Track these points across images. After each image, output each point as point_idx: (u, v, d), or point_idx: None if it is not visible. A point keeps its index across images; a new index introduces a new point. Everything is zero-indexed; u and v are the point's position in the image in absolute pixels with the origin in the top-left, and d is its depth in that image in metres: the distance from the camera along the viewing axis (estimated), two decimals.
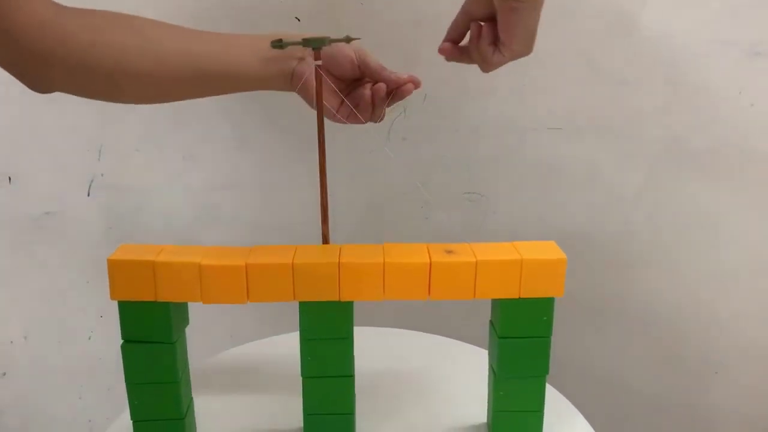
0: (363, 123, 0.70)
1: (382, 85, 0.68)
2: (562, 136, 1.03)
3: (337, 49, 0.67)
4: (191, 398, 0.64)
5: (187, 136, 1.07)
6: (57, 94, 0.66)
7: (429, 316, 0.94)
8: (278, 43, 0.59)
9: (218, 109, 1.05)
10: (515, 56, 0.63)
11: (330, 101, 0.68)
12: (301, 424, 0.62)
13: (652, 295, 1.11)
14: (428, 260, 0.56)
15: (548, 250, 0.58)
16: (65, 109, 1.02)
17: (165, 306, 0.56)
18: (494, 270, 0.56)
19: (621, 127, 1.03)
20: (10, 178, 1.05)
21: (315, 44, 0.58)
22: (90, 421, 1.21)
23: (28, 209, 1.08)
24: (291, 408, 0.64)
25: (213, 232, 1.13)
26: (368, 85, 0.69)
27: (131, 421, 0.61)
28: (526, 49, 0.63)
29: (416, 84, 0.69)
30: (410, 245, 0.59)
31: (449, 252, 0.57)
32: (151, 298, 0.56)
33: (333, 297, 0.57)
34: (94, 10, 0.63)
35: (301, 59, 0.66)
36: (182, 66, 0.64)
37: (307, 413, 0.61)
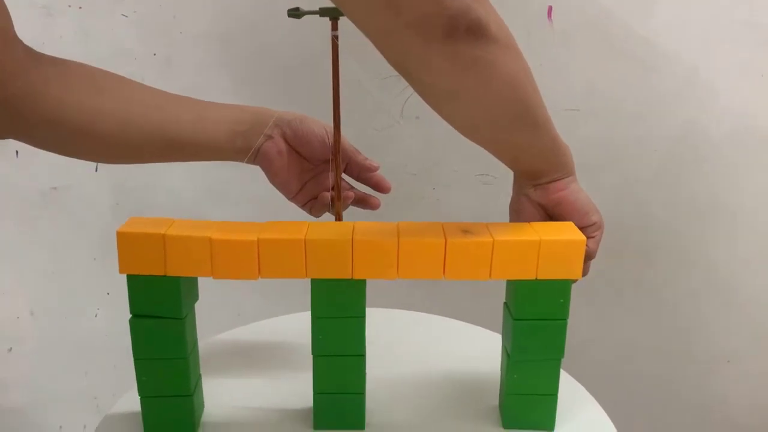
0: (316, 217, 0.70)
1: (350, 194, 0.69)
2: (579, 118, 1.02)
3: (308, 129, 0.66)
4: (199, 375, 0.63)
5: None
6: None
7: (438, 299, 0.93)
8: (295, 12, 0.57)
9: (229, 85, 1.03)
10: (597, 232, 0.61)
11: (291, 182, 0.68)
12: (311, 404, 0.61)
13: (666, 281, 1.09)
14: (444, 239, 0.55)
15: (567, 231, 0.57)
16: None
17: (175, 281, 0.55)
18: (511, 250, 0.55)
19: (639, 110, 1.01)
20: (17, 152, 1.05)
21: (332, 14, 0.56)
22: (95, 398, 1.20)
23: (35, 184, 1.07)
24: (300, 387, 0.63)
25: (222, 208, 1.12)
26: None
27: (138, 398, 0.60)
28: (599, 217, 0.61)
29: (385, 189, 0.71)
30: (425, 223, 0.58)
31: (465, 231, 0.56)
32: (160, 273, 0.54)
33: (346, 275, 0.55)
34: (68, 62, 0.61)
35: (269, 137, 0.66)
36: (150, 133, 0.62)
37: (317, 392, 0.60)
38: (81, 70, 0.61)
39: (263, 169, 0.68)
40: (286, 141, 0.67)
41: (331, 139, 0.66)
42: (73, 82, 0.60)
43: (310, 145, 0.66)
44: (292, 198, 0.70)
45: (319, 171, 0.69)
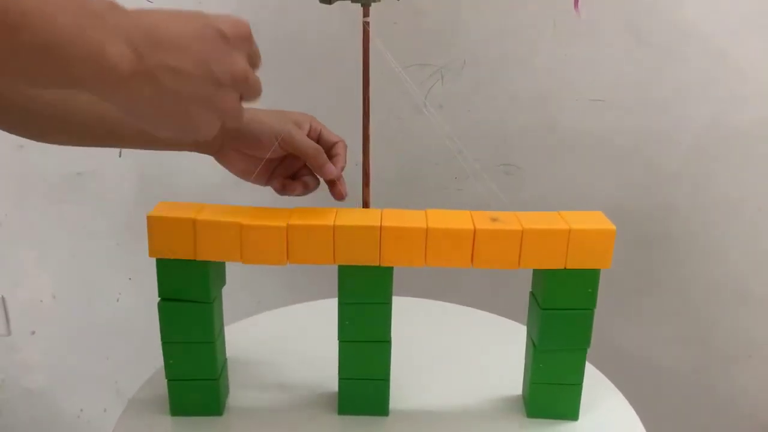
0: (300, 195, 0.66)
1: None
2: (604, 108, 1.01)
3: (258, 132, 0.61)
4: (225, 359, 0.63)
5: None
6: None
7: (460, 289, 0.93)
8: None
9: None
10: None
11: (258, 174, 0.64)
12: (336, 389, 0.61)
13: (689, 274, 1.09)
14: (473, 227, 0.55)
15: (596, 221, 0.56)
16: None
17: (204, 265, 0.55)
18: (541, 239, 0.55)
19: (665, 101, 1.00)
20: None
21: (363, 0, 0.56)
22: (116, 381, 1.22)
23: (59, 169, 1.08)
24: (325, 372, 0.64)
25: (246, 194, 1.12)
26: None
27: (162, 382, 0.60)
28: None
29: (342, 194, 0.64)
30: (454, 212, 0.58)
31: (494, 220, 0.56)
32: (190, 257, 0.55)
33: (373, 261, 0.55)
34: None
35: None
36: (95, 118, 0.60)
37: (342, 377, 0.60)
38: None
39: (222, 160, 0.65)
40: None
41: (288, 145, 0.62)
42: None
43: (260, 145, 0.62)
44: (265, 184, 0.66)
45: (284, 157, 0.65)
